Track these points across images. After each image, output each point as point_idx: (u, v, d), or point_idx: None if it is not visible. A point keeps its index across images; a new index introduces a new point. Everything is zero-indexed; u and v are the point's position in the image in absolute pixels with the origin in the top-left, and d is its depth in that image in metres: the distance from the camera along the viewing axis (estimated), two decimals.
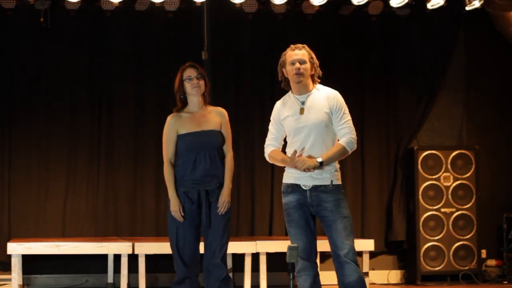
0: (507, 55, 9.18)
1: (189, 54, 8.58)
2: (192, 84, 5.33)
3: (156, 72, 8.80)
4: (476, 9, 8.19)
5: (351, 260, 4.84)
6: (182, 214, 5.29)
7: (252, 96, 8.93)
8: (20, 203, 8.46)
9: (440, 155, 8.82)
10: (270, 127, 5.15)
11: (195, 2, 8.04)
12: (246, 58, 8.94)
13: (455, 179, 8.81)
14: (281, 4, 8.32)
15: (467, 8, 8.20)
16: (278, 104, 5.13)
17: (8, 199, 8.42)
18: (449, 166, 8.81)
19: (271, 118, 5.16)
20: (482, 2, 8.08)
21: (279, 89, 8.82)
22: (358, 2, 8.21)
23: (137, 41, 8.81)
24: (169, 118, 5.41)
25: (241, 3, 8.15)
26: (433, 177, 8.78)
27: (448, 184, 8.79)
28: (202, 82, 5.37)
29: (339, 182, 4.97)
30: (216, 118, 5.39)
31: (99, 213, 8.57)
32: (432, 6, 8.24)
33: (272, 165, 8.77)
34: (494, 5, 8.38)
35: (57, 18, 8.32)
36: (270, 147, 5.12)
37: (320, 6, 8.24)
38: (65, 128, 8.60)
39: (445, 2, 8.18)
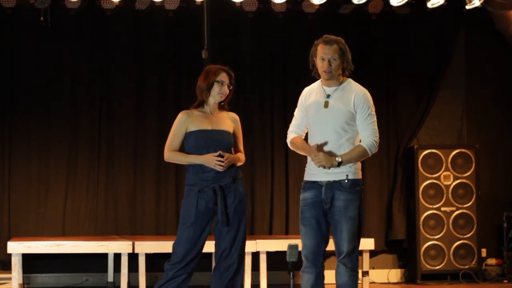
0: (507, 55, 9.18)
1: (189, 53, 8.60)
2: (222, 90, 5.24)
3: (156, 72, 8.80)
4: (476, 8, 8.19)
5: (344, 264, 4.81)
6: (194, 218, 5.17)
7: (252, 95, 8.93)
8: (20, 203, 8.46)
9: (440, 154, 8.82)
10: (295, 112, 5.09)
11: (195, 1, 8.04)
12: (246, 57, 8.94)
13: (455, 178, 8.81)
14: (281, 3, 8.33)
15: (467, 7, 8.20)
16: (305, 90, 5.07)
17: (8, 199, 8.42)
18: (449, 165, 8.81)
19: (298, 104, 5.08)
20: (482, 1, 8.08)
21: (279, 88, 8.90)
22: (358, 1, 8.21)
23: (137, 41, 8.81)
24: (180, 115, 5.30)
25: (241, 2, 8.16)
26: (433, 176, 8.78)
27: (448, 183, 8.79)
28: (227, 92, 5.29)
29: (357, 177, 4.87)
30: (229, 121, 5.32)
31: (99, 212, 8.57)
32: (432, 5, 8.24)
33: (272, 164, 8.84)
34: (494, 4, 8.39)
35: (57, 17, 8.32)
36: (292, 133, 5.08)
37: (320, 5, 8.25)
38: (65, 128, 8.60)
39: (445, 1, 8.19)
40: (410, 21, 9.00)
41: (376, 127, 4.92)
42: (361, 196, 4.90)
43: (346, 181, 4.84)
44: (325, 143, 4.85)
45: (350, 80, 5.00)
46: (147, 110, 8.77)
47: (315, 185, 4.89)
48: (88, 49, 8.70)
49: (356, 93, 4.92)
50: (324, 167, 4.80)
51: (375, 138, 4.88)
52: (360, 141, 4.92)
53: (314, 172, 4.89)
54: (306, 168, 5.02)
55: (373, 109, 4.95)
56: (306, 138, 5.11)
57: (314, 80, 5.09)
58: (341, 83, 4.95)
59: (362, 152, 4.86)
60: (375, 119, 4.93)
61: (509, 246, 8.81)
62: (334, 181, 4.84)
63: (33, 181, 8.51)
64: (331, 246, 4.97)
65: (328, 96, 4.91)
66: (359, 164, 4.92)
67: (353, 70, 5.01)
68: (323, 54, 4.89)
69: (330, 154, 4.83)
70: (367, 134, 4.88)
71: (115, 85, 8.74)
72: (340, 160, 4.79)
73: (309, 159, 4.97)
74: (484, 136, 9.23)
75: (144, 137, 8.72)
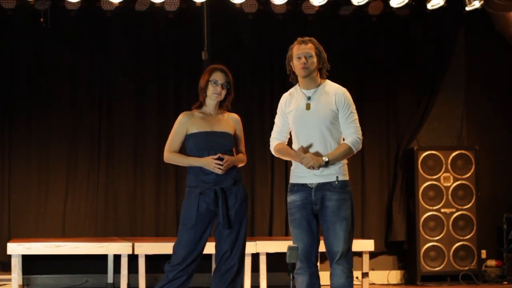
0: (507, 56, 9.18)
1: (189, 54, 8.60)
2: (215, 89, 5.20)
3: (156, 72, 8.80)
4: (476, 9, 8.19)
5: (341, 265, 4.81)
6: (194, 221, 5.18)
7: (252, 96, 8.94)
8: (20, 203, 8.46)
9: (440, 155, 8.82)
10: (276, 119, 5.10)
11: (195, 2, 8.05)
12: (246, 58, 8.94)
13: (455, 180, 8.81)
14: (281, 4, 8.34)
15: (467, 9, 8.20)
16: (284, 96, 5.08)
17: (8, 199, 8.42)
18: (449, 166, 8.81)
19: (277, 111, 5.10)
20: (482, 2, 8.08)
21: (279, 89, 8.88)
22: (358, 3, 8.21)
23: (137, 41, 8.81)
24: (181, 116, 5.28)
25: (241, 3, 8.16)
26: (433, 177, 8.78)
27: (448, 184, 8.79)
28: (224, 92, 5.23)
29: (346, 178, 4.90)
30: (230, 123, 5.30)
31: (99, 213, 8.57)
32: (432, 6, 8.24)
33: (272, 165, 8.83)
34: (494, 5, 8.39)
35: (57, 18, 8.32)
36: (275, 140, 5.08)
37: (320, 6, 8.25)
38: (65, 128, 8.60)
39: (445, 3, 8.19)
40: (410, 22, 9.01)
41: (358, 124, 4.95)
42: (351, 197, 4.92)
43: (336, 182, 4.86)
44: (311, 145, 4.87)
45: (327, 81, 5.03)
46: (147, 110, 8.77)
47: (304, 187, 4.89)
48: (88, 50, 8.70)
49: (336, 92, 4.94)
50: (313, 168, 4.80)
51: (358, 135, 4.92)
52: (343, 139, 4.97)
53: (303, 175, 4.89)
54: (292, 170, 5.01)
55: (354, 107, 4.97)
56: (288, 144, 5.10)
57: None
58: (319, 84, 4.98)
59: (347, 150, 4.88)
60: (357, 117, 4.97)
61: (508, 247, 8.81)
62: (325, 183, 4.85)
63: (33, 181, 8.51)
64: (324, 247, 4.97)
65: (309, 98, 4.94)
66: (346, 166, 4.95)
67: (329, 69, 5.03)
68: (299, 52, 4.93)
69: (317, 154, 4.85)
70: (350, 132, 4.91)
71: (115, 85, 8.75)
72: (327, 159, 4.81)
73: (295, 161, 4.97)
74: (484, 138, 9.23)
75: (144, 137, 8.73)
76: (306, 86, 4.97)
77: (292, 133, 5.03)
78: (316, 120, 4.88)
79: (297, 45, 4.96)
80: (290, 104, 5.00)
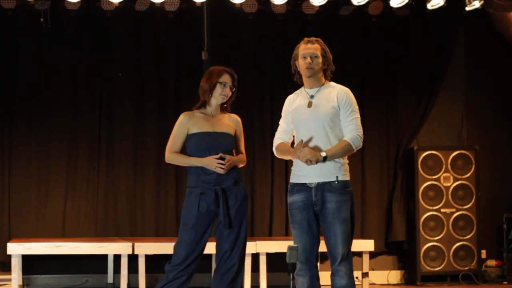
0: (507, 55, 9.18)
1: (189, 54, 8.61)
2: (224, 91, 5.23)
3: (156, 72, 8.80)
4: (476, 9, 8.20)
5: (343, 266, 4.80)
6: (195, 220, 5.18)
7: (252, 96, 8.93)
8: (20, 203, 8.46)
9: (440, 155, 8.83)
10: (280, 121, 5.10)
11: (195, 2, 8.05)
12: (246, 58, 8.94)
13: (455, 180, 8.81)
14: (281, 4, 8.34)
15: (467, 9, 8.21)
16: (289, 97, 5.08)
17: (8, 199, 8.42)
18: (449, 166, 8.81)
19: (282, 112, 5.10)
20: (482, 2, 8.09)
21: (279, 89, 8.90)
22: (358, 3, 8.22)
23: (137, 41, 8.81)
24: (181, 116, 5.29)
25: (241, 3, 8.16)
26: (433, 177, 8.78)
27: (448, 184, 8.80)
28: (230, 94, 5.29)
29: (347, 178, 4.87)
30: (230, 123, 5.31)
31: (99, 213, 8.58)
32: (432, 6, 8.25)
33: (272, 165, 8.83)
34: (494, 6, 8.39)
35: (57, 18, 8.33)
36: (278, 140, 5.07)
37: (320, 6, 8.26)
38: (65, 128, 8.60)
39: (445, 2, 8.19)
40: (410, 22, 9.01)
41: (360, 124, 4.92)
42: (352, 197, 4.89)
43: (336, 182, 4.83)
44: (311, 140, 4.85)
45: (332, 82, 5.03)
46: (147, 110, 8.77)
47: (304, 187, 4.87)
48: (88, 49, 8.71)
49: (338, 91, 4.94)
50: (311, 162, 4.76)
51: (358, 132, 4.88)
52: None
53: (303, 174, 4.87)
54: (292, 170, 5.00)
55: (356, 107, 4.94)
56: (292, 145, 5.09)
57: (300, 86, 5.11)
58: (323, 84, 4.98)
59: (346, 146, 4.84)
60: (358, 116, 4.93)
61: (508, 247, 8.82)
62: (324, 183, 4.82)
63: (33, 181, 8.51)
64: (324, 247, 4.97)
65: (312, 97, 4.93)
66: (347, 166, 4.93)
67: (334, 71, 5.02)
68: (305, 52, 4.92)
69: (317, 150, 4.82)
70: (350, 129, 4.88)
71: (115, 85, 8.75)
72: (325, 154, 4.77)
73: (295, 160, 4.95)
74: (484, 138, 9.23)
75: (144, 137, 8.73)
76: (310, 86, 4.96)
77: (294, 133, 5.02)
78: (316, 117, 4.87)
79: (303, 45, 4.95)
80: (293, 103, 5.01)
